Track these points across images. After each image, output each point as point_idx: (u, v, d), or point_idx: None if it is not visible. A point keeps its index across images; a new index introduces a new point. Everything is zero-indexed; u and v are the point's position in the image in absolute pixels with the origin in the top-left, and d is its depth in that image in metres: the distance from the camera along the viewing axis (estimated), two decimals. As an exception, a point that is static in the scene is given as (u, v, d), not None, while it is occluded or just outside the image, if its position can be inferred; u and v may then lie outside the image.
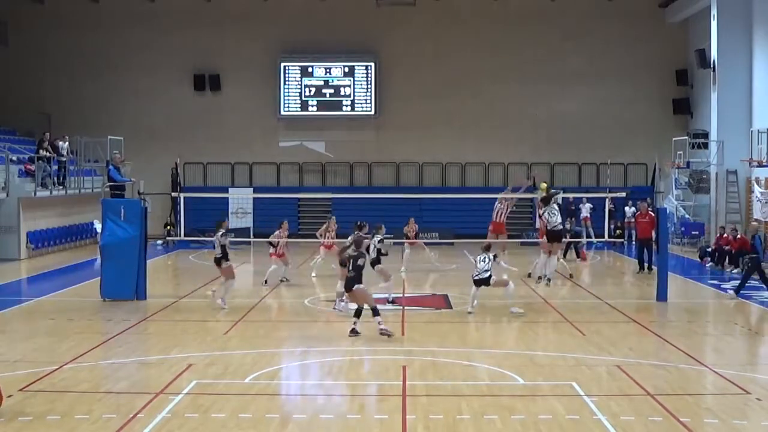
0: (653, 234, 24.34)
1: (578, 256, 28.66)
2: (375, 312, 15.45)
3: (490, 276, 17.45)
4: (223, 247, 18.92)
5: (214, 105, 37.91)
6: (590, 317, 17.78)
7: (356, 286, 15.51)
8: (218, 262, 19.00)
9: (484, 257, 17.54)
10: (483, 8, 37.47)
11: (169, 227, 34.60)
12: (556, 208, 20.27)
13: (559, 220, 20.15)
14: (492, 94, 37.47)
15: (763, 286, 20.10)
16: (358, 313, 15.60)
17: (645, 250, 24.83)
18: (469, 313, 17.74)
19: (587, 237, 32.81)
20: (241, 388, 12.02)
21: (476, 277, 17.57)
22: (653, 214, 24.70)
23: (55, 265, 27.36)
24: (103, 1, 37.60)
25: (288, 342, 15.71)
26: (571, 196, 34.60)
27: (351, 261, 15.63)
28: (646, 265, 24.74)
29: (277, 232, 22.80)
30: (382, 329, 15.28)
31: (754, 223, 21.72)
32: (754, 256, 19.75)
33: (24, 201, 28.49)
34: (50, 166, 29.39)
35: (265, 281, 22.52)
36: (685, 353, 14.25)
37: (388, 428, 10.24)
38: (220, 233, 19.10)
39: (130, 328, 16.45)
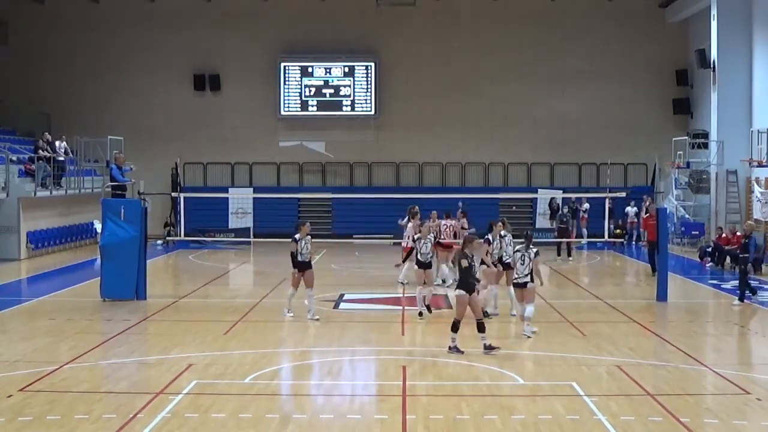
0: None
1: (569, 255, 28.51)
2: (480, 327, 13.96)
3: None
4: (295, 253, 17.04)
5: (214, 105, 37.91)
6: (590, 317, 17.78)
7: (457, 292, 14.00)
8: (302, 267, 17.12)
9: (523, 256, 15.54)
10: (483, 8, 37.47)
11: (169, 227, 34.59)
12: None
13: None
14: (492, 94, 37.47)
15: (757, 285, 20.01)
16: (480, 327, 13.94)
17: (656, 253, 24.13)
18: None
19: (579, 237, 32.83)
20: (241, 388, 12.02)
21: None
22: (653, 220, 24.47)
23: (55, 265, 27.36)
24: (103, 1, 37.59)
25: (288, 342, 15.71)
26: (572, 196, 34.64)
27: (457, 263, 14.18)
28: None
29: (411, 224, 21.24)
30: (486, 345, 13.98)
31: (751, 222, 21.62)
32: (744, 256, 19.59)
33: (24, 201, 28.48)
34: (50, 166, 29.37)
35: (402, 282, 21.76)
36: (685, 353, 14.26)
37: (388, 428, 10.25)
38: (297, 237, 17.01)
39: (130, 328, 16.45)
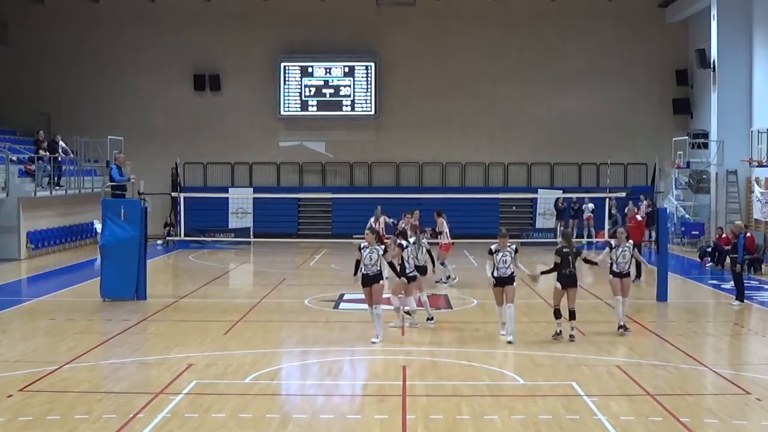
0: (645, 238, 24.06)
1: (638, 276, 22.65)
2: (572, 315, 15.15)
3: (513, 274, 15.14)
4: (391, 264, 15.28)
5: (214, 105, 37.90)
6: (590, 317, 17.76)
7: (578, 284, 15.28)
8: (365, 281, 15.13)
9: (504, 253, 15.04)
10: (483, 8, 37.46)
11: (168, 227, 34.54)
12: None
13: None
14: (492, 94, 37.46)
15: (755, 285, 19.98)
16: (572, 315, 15.15)
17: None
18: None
19: (587, 237, 32.88)
20: (241, 388, 12.02)
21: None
22: (640, 219, 24.25)
23: (55, 265, 27.36)
24: (103, 1, 37.59)
25: (288, 342, 15.70)
26: (574, 196, 34.67)
27: (570, 258, 15.07)
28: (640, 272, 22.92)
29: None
30: (572, 334, 15.15)
31: (739, 222, 21.65)
32: (733, 256, 19.61)
33: (24, 201, 28.47)
34: (49, 166, 29.36)
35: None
36: (685, 353, 14.26)
37: (388, 428, 10.24)
38: (362, 244, 15.02)
39: (130, 328, 16.45)
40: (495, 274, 15.01)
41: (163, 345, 14.90)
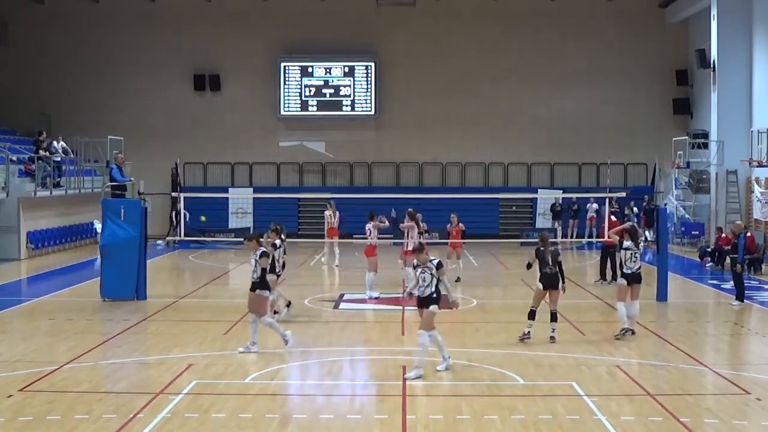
0: (616, 239, 23.79)
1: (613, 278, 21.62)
2: (553, 317, 15.18)
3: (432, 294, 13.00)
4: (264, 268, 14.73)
5: (214, 105, 37.90)
6: (590, 317, 17.78)
7: (560, 285, 15.20)
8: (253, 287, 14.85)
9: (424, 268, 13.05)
10: (483, 8, 37.46)
11: (171, 226, 34.29)
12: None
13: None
14: (492, 94, 37.45)
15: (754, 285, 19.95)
16: (553, 317, 15.19)
17: (609, 259, 22.39)
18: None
19: (589, 237, 32.90)
20: (241, 388, 12.02)
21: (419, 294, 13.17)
22: (615, 219, 24.01)
23: (55, 265, 27.35)
24: (103, 1, 37.58)
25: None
26: (573, 196, 34.66)
27: (548, 257, 15.09)
28: (609, 275, 22.35)
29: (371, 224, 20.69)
30: (553, 335, 15.14)
31: (739, 222, 21.66)
32: (734, 256, 19.61)
33: (24, 201, 28.47)
34: (49, 166, 29.36)
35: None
36: (685, 353, 14.26)
37: (388, 428, 10.25)
38: (262, 250, 14.97)
39: (130, 328, 16.45)
40: (415, 292, 13.21)
41: (163, 345, 14.90)
